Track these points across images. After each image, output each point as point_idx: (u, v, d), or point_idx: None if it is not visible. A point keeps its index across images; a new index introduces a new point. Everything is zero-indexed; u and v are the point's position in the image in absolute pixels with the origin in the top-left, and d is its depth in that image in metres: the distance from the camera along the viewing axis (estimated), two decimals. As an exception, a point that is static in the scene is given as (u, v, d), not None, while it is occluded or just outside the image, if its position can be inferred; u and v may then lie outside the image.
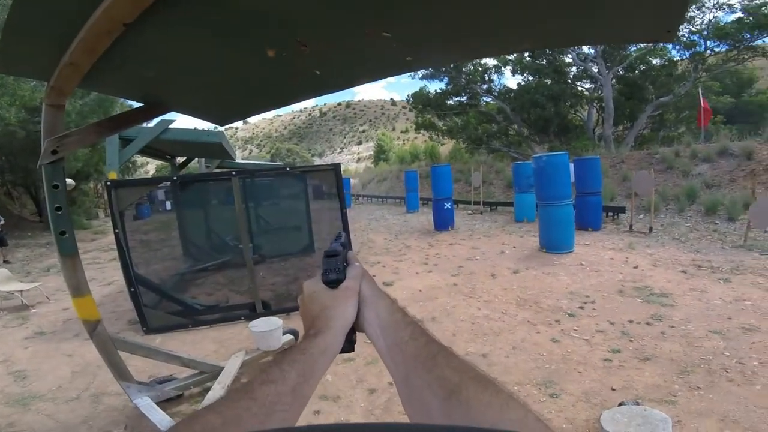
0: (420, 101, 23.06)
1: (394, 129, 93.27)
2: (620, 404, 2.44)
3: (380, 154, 47.20)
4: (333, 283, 0.51)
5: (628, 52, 18.39)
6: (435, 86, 62.77)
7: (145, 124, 5.15)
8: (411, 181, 15.95)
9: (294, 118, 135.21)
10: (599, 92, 19.54)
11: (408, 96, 23.13)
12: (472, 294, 5.02)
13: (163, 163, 9.98)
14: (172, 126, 4.95)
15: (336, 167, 4.91)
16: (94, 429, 2.75)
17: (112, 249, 11.54)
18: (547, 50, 18.90)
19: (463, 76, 21.42)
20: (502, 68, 22.24)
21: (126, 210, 4.55)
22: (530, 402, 2.68)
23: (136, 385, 2.77)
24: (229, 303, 5.01)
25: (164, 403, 2.83)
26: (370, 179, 29.11)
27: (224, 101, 2.22)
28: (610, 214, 9.71)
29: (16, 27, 1.31)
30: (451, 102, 23.05)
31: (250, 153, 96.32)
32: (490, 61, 22.63)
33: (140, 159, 27.80)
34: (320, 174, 5.18)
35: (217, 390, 2.81)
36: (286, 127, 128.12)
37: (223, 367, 3.11)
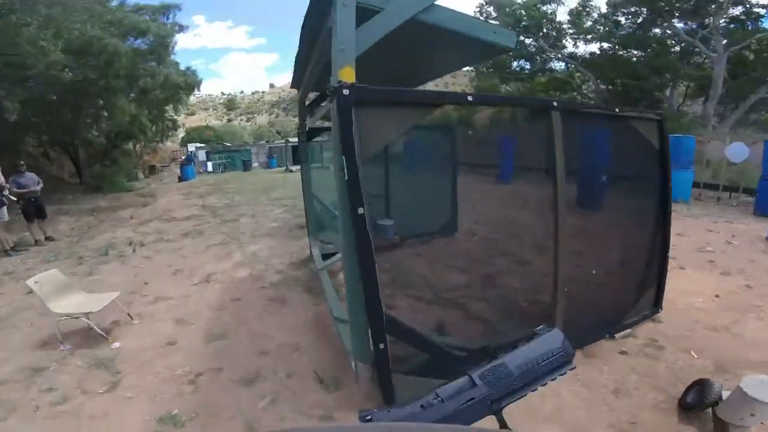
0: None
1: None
2: None
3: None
4: None
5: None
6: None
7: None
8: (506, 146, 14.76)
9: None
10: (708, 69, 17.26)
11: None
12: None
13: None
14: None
15: (661, 118, 3.26)
16: None
17: (175, 219, 9.04)
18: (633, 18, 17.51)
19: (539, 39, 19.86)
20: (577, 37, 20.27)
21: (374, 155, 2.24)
22: None
23: None
24: (501, 341, 2.47)
25: None
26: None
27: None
28: None
29: None
30: (515, 66, 21.62)
31: (276, 117, 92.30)
32: (567, 25, 20.64)
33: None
34: (640, 124, 3.23)
35: None
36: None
37: None
